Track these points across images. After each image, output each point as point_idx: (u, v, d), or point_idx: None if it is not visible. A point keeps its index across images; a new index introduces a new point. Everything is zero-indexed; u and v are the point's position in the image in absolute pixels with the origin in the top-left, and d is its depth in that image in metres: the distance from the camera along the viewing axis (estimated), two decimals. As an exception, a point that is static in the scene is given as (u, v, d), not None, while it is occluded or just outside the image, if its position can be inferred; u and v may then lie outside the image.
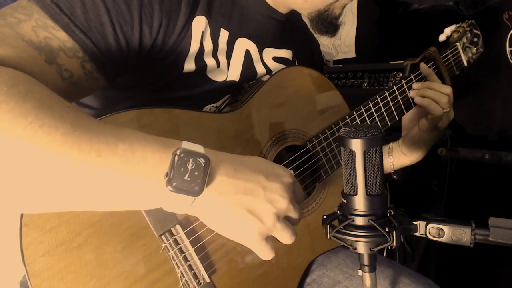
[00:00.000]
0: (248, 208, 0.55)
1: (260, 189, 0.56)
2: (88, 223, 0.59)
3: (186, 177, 0.50)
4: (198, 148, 0.53)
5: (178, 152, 0.51)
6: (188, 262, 0.66)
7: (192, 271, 0.66)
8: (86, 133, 0.48)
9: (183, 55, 0.74)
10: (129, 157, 0.50)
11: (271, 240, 0.59)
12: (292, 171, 0.63)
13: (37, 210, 0.54)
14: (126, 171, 0.49)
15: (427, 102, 0.97)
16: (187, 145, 0.53)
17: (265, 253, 0.58)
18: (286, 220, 0.60)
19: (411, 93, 0.99)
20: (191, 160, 0.51)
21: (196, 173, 0.51)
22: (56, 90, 0.53)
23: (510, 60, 1.40)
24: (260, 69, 0.88)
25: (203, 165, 0.51)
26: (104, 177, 0.49)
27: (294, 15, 0.90)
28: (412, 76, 1.01)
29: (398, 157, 1.09)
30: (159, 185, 0.50)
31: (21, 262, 0.56)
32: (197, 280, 0.67)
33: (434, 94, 0.97)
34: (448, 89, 0.98)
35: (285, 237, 0.59)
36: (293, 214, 0.60)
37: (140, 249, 0.63)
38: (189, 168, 0.51)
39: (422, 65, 1.01)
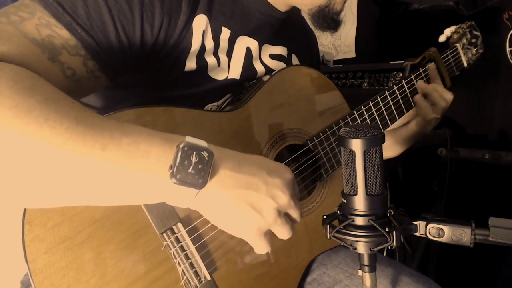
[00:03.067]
0: (250, 202, 0.56)
1: (262, 184, 0.57)
2: (90, 220, 0.59)
3: (190, 170, 0.51)
4: (201, 142, 0.54)
5: (181, 146, 0.52)
6: (190, 260, 0.67)
7: (194, 269, 0.67)
8: (90, 127, 0.49)
9: (184, 54, 0.74)
10: (133, 151, 0.50)
11: (269, 235, 0.60)
12: (291, 170, 0.64)
13: (42, 204, 0.54)
14: (130, 165, 0.50)
15: (425, 105, 0.99)
16: (190, 139, 0.54)
17: (261, 247, 0.59)
18: (286, 216, 0.61)
19: (416, 97, 1.01)
20: (194, 153, 0.52)
21: (200, 166, 0.51)
22: (59, 88, 0.53)
23: (510, 60, 1.41)
24: (259, 67, 0.88)
25: (207, 158, 0.52)
26: (109, 170, 0.49)
27: (292, 11, 0.90)
28: (412, 76, 1.01)
29: None
30: (163, 178, 0.51)
31: (22, 261, 0.56)
32: (198, 278, 0.67)
33: (437, 97, 0.99)
34: (450, 96, 1.01)
35: (283, 232, 0.60)
36: (294, 211, 0.61)
37: (141, 247, 0.63)
38: (193, 161, 0.51)
39: (432, 66, 1.03)
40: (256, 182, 0.57)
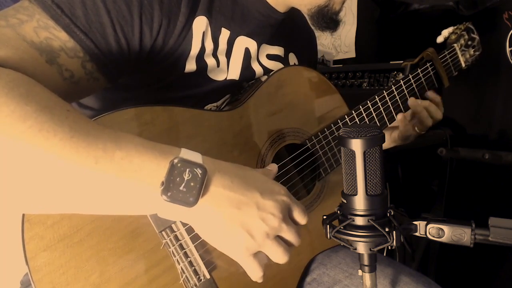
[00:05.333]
0: (240, 222, 0.55)
1: (253, 205, 0.56)
2: (89, 218, 0.59)
3: (181, 188, 0.51)
4: (196, 158, 0.53)
5: (175, 161, 0.51)
6: (189, 259, 0.67)
7: (193, 268, 0.67)
8: (84, 138, 0.48)
9: (184, 55, 0.74)
10: (126, 165, 0.50)
11: (260, 258, 0.59)
12: (287, 190, 0.62)
13: (34, 211, 0.55)
14: (122, 179, 0.50)
15: (406, 125, 1.04)
16: (185, 153, 0.53)
17: (251, 270, 0.58)
18: (279, 239, 0.59)
19: (410, 101, 1.01)
20: (187, 170, 0.51)
21: (192, 184, 0.51)
22: (57, 90, 0.53)
23: (510, 60, 1.41)
24: (257, 67, 0.88)
25: (200, 176, 0.52)
26: (101, 183, 0.49)
27: (292, 12, 0.90)
28: (410, 76, 1.02)
29: None
30: (154, 194, 0.51)
31: (21, 261, 0.56)
32: (198, 276, 0.67)
33: (425, 117, 1.02)
34: (439, 117, 1.05)
35: (276, 255, 0.59)
36: (286, 234, 0.59)
37: (140, 245, 0.63)
38: (185, 178, 0.51)
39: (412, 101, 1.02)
40: (247, 202, 0.56)
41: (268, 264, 0.60)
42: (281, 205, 0.58)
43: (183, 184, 0.51)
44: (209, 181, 0.54)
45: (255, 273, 0.59)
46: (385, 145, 1.12)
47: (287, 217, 0.60)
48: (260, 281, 0.59)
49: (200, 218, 0.55)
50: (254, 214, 0.56)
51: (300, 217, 0.62)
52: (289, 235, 0.59)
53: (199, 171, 0.52)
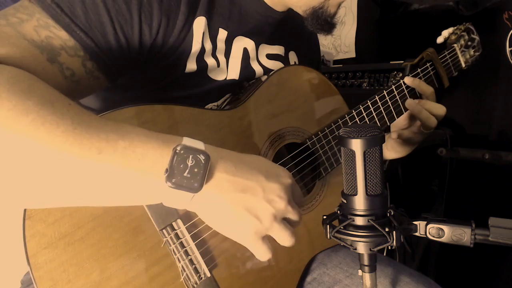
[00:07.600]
0: (246, 206, 0.55)
1: (259, 188, 0.56)
2: (90, 216, 0.60)
3: (185, 174, 0.51)
4: (199, 145, 0.54)
5: (178, 149, 0.52)
6: (189, 257, 0.67)
7: (193, 266, 0.67)
8: (86, 130, 0.49)
9: (185, 55, 0.74)
10: (129, 154, 0.50)
11: (268, 240, 0.59)
12: (290, 173, 0.63)
13: (39, 205, 0.55)
14: (126, 168, 0.50)
15: (407, 135, 1.01)
16: (187, 141, 0.54)
17: (261, 253, 0.58)
18: (285, 221, 0.60)
19: (407, 103, 0.98)
20: (191, 156, 0.52)
21: (195, 170, 0.51)
22: (58, 89, 0.54)
23: (510, 60, 1.41)
24: (256, 67, 0.88)
25: (203, 162, 0.52)
26: (105, 173, 0.49)
27: (293, 11, 0.90)
28: (410, 76, 1.01)
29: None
30: (158, 181, 0.51)
31: (22, 261, 0.57)
32: (198, 274, 0.67)
33: (425, 118, 0.96)
34: (442, 110, 0.98)
35: (283, 238, 0.59)
36: (292, 216, 0.60)
37: (141, 243, 0.63)
38: (189, 164, 0.51)
39: (407, 80, 0.98)
40: (253, 186, 0.56)
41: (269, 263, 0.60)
42: (287, 188, 0.59)
43: (187, 170, 0.51)
44: (212, 167, 0.54)
45: (265, 256, 0.59)
46: (389, 156, 1.09)
47: (292, 199, 0.61)
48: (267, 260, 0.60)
49: (206, 205, 0.55)
50: (260, 197, 0.56)
51: (298, 200, 0.64)
52: (295, 216, 0.61)
53: (202, 157, 0.52)
